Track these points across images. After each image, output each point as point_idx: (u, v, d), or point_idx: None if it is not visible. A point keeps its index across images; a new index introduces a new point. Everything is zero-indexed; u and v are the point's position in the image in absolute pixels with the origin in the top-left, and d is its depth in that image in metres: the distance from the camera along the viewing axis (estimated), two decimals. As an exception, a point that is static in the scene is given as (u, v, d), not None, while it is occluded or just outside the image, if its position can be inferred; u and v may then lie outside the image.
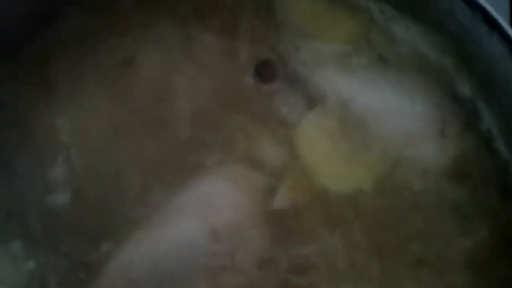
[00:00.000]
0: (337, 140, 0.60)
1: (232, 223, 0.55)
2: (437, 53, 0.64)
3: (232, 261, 0.54)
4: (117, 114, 0.61)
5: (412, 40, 0.64)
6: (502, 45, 0.58)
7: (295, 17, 0.65)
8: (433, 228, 0.58)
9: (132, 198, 0.57)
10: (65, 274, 0.56)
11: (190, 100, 0.62)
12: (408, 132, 0.61)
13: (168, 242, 0.54)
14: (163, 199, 0.56)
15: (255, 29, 0.64)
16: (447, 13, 0.61)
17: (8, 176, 0.59)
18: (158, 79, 0.62)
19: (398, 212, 0.58)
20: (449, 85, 0.63)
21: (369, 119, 0.61)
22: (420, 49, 0.64)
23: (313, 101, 0.62)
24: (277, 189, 0.57)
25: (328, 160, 0.60)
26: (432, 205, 0.59)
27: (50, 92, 0.62)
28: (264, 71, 0.64)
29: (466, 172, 0.60)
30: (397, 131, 0.61)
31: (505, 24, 0.57)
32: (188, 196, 0.56)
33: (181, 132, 0.60)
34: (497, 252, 0.58)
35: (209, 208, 0.55)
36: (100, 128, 0.60)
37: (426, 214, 0.58)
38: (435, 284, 0.57)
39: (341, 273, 0.56)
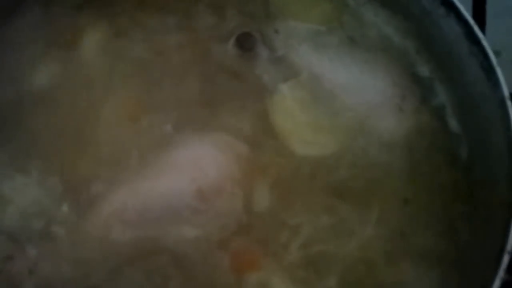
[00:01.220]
0: (306, 110, 0.66)
1: (216, 185, 0.62)
2: (401, 36, 0.70)
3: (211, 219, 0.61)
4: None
5: (379, 24, 0.71)
6: (458, 26, 0.64)
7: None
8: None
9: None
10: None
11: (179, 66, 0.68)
12: (370, 105, 0.67)
13: (159, 193, 0.61)
14: (157, 156, 0.64)
15: (242, 5, 0.71)
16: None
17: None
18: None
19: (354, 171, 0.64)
20: (409, 65, 0.70)
21: (336, 92, 0.67)
22: (385, 32, 0.71)
23: (287, 74, 0.68)
24: (254, 154, 0.64)
25: (298, 128, 0.66)
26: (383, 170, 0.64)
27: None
28: (245, 41, 0.70)
29: (419, 143, 0.66)
30: (360, 103, 0.67)
31: (461, 6, 0.64)
32: (179, 157, 0.63)
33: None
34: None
35: (197, 169, 0.62)
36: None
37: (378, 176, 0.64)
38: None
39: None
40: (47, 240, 0.60)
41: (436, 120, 0.67)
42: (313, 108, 0.67)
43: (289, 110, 0.66)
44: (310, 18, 0.71)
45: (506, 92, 0.60)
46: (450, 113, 0.67)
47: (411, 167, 0.65)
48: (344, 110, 0.67)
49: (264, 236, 0.61)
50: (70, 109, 0.66)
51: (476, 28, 0.63)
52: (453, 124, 0.67)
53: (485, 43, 0.62)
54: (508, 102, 0.59)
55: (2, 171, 0.63)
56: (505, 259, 0.53)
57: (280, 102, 0.67)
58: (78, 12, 0.71)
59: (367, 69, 0.69)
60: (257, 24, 0.71)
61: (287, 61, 0.69)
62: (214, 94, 0.67)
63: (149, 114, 0.66)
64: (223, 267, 0.60)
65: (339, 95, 0.67)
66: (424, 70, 0.69)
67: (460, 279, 0.60)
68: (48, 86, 0.67)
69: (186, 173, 0.62)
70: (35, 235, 0.60)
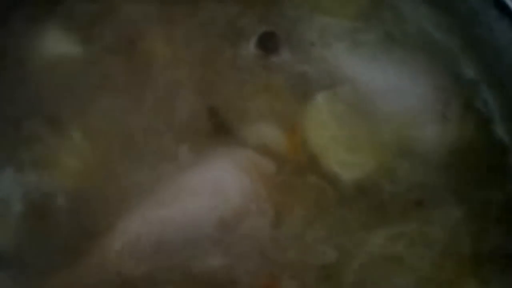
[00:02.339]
0: (343, 123, 0.60)
1: (240, 211, 0.55)
2: (443, 33, 0.64)
3: (236, 250, 0.55)
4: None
5: (420, 19, 0.64)
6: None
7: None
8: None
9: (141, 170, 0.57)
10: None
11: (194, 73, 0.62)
12: (410, 112, 0.61)
13: (176, 224, 0.54)
14: (171, 177, 0.57)
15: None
16: (458, -5, 0.61)
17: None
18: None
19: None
20: (452, 66, 0.63)
21: (373, 98, 0.61)
22: (426, 29, 0.64)
23: (319, 79, 0.62)
24: (284, 173, 0.58)
25: (335, 145, 0.60)
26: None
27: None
28: (268, 42, 0.63)
29: (465, 156, 0.60)
30: (399, 111, 0.61)
31: (517, 11, 0.57)
32: (197, 178, 0.56)
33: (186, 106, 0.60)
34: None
35: (218, 195, 0.55)
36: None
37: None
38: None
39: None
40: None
41: (483, 128, 0.62)
42: (349, 121, 0.60)
43: (325, 124, 0.60)
44: (344, 13, 0.64)
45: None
46: (498, 120, 0.62)
47: (457, 183, 0.60)
48: (382, 121, 0.60)
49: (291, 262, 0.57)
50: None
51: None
52: (501, 133, 0.61)
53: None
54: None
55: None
56: None
57: (314, 115, 0.60)
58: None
59: (406, 71, 0.63)
60: (283, 22, 0.64)
61: (318, 63, 0.62)
62: (234, 104, 0.61)
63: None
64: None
65: (376, 102, 0.61)
66: (469, 72, 0.63)
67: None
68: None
69: (205, 199, 0.55)
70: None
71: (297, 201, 0.57)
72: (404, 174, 0.59)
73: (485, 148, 0.61)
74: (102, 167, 0.58)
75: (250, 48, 0.63)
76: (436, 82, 0.62)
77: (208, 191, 0.56)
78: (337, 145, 0.59)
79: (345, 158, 0.59)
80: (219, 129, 0.59)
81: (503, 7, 0.58)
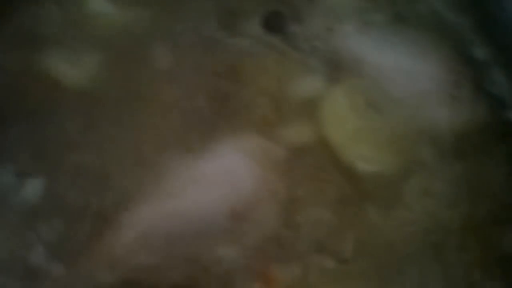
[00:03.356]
0: (359, 114, 0.59)
1: (252, 200, 0.54)
2: (454, 13, 0.62)
3: (248, 239, 0.54)
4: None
5: (431, -2, 0.63)
6: (525, 11, 0.57)
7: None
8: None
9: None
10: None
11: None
12: (420, 94, 0.60)
13: (187, 215, 0.53)
14: (179, 165, 0.55)
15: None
16: (469, -27, 0.59)
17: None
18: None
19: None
20: (464, 46, 0.62)
21: (385, 85, 0.60)
22: (437, 8, 0.62)
23: (332, 65, 0.60)
24: (298, 165, 0.56)
25: (355, 139, 0.58)
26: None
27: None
28: (275, 22, 0.62)
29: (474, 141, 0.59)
30: (410, 94, 0.60)
31: (532, -12, 0.56)
32: (206, 167, 0.55)
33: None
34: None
35: (230, 184, 0.54)
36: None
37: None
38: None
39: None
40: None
41: (494, 111, 0.60)
42: (365, 112, 0.58)
43: (341, 116, 0.58)
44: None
45: None
46: (510, 102, 0.61)
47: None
48: (396, 108, 0.59)
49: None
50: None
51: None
52: (514, 115, 0.60)
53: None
54: None
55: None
56: None
57: (329, 105, 0.58)
58: None
59: (417, 52, 0.61)
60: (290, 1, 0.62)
61: (328, 45, 0.61)
62: (243, 90, 0.59)
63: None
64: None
65: (389, 87, 0.60)
66: (480, 52, 0.62)
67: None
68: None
69: (216, 190, 0.54)
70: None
71: (311, 190, 0.56)
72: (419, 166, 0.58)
73: (496, 129, 0.60)
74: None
75: (256, 28, 0.61)
76: (447, 64, 0.61)
77: (220, 181, 0.54)
78: (356, 138, 0.58)
79: (365, 152, 0.57)
80: (228, 116, 0.58)
81: (517, -14, 0.56)
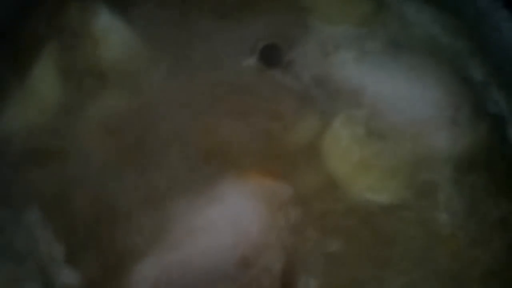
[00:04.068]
0: (361, 146, 0.58)
1: (260, 246, 0.53)
2: (450, 36, 0.62)
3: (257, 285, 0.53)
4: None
5: (424, 23, 0.62)
6: (523, 30, 0.57)
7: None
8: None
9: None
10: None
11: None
12: (420, 120, 0.60)
13: (195, 266, 0.52)
14: (186, 211, 0.55)
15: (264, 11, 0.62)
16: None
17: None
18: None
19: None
20: (461, 69, 0.62)
21: (385, 113, 0.59)
22: (432, 32, 0.62)
23: (331, 97, 0.60)
24: (304, 204, 0.56)
25: (362, 171, 0.58)
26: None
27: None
28: (270, 54, 0.61)
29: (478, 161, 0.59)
30: (409, 121, 0.59)
31: (526, 11, 0.56)
32: (213, 212, 0.54)
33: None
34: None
35: (238, 230, 0.53)
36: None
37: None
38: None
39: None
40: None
41: (495, 132, 0.60)
42: (368, 143, 0.58)
43: (344, 148, 0.58)
44: (347, 19, 0.62)
45: None
46: (510, 121, 0.60)
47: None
48: (397, 136, 0.59)
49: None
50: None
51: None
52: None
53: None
54: None
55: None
56: None
57: (332, 140, 0.58)
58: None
59: (415, 77, 0.61)
60: (282, 33, 0.62)
61: (325, 77, 0.61)
62: (242, 129, 0.59)
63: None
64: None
65: (389, 115, 0.59)
66: (478, 74, 0.61)
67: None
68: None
69: (225, 236, 0.53)
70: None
71: (320, 227, 0.56)
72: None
73: (497, 150, 0.60)
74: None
75: (252, 61, 0.61)
76: (446, 87, 0.61)
77: (227, 227, 0.53)
78: (362, 169, 0.57)
79: (373, 183, 0.57)
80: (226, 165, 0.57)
81: (513, 8, 0.56)
